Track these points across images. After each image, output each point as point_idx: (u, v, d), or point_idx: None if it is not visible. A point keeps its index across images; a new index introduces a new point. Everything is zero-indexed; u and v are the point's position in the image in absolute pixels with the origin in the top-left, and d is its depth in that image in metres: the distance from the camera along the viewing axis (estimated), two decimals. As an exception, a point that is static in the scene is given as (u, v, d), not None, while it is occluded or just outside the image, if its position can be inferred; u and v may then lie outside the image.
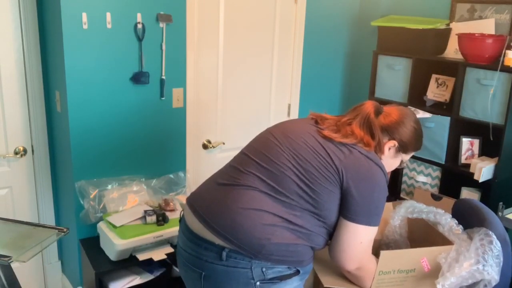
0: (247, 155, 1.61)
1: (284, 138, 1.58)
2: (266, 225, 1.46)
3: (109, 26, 2.33)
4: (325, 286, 1.69)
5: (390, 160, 1.67)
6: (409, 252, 1.80)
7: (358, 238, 1.53)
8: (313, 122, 1.64)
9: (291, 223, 1.48)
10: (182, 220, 1.65)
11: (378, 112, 1.64)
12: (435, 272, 1.72)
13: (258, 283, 1.47)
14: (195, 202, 1.60)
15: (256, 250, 1.45)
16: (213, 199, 1.55)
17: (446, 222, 1.85)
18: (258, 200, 1.49)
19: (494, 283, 1.69)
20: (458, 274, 1.64)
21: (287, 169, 1.51)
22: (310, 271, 1.64)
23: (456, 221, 1.87)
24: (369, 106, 1.63)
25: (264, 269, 1.47)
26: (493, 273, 1.66)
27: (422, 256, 1.73)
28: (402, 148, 1.65)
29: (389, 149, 1.64)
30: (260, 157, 1.56)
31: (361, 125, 1.58)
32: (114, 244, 2.19)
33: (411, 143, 1.66)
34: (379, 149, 1.59)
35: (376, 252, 1.71)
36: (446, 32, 2.86)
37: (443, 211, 1.91)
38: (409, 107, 2.85)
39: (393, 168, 1.71)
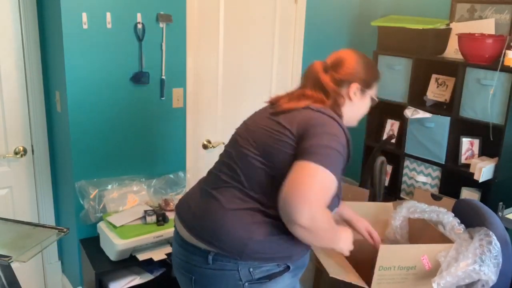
0: (221, 158, 1.65)
1: (246, 132, 1.60)
2: (246, 224, 1.45)
3: (109, 26, 2.33)
4: (330, 276, 1.68)
5: (361, 103, 1.67)
6: (409, 247, 1.80)
7: (310, 178, 1.35)
8: (269, 105, 1.66)
9: (271, 216, 1.45)
10: (174, 227, 1.66)
11: (326, 69, 1.62)
12: (436, 271, 1.72)
13: (246, 284, 1.46)
14: (181, 209, 1.62)
15: (240, 251, 1.43)
16: (195, 205, 1.57)
17: (448, 221, 1.86)
18: (234, 200, 1.48)
19: (491, 284, 1.69)
20: (454, 273, 1.64)
21: (254, 162, 1.50)
22: (305, 266, 1.61)
23: (458, 220, 1.88)
24: (316, 66, 1.63)
25: (251, 269, 1.45)
26: (490, 274, 1.66)
27: (422, 253, 1.73)
28: (365, 85, 1.64)
29: (355, 93, 1.62)
30: (230, 158, 1.58)
31: (313, 87, 1.59)
32: (114, 244, 2.19)
33: (370, 76, 1.65)
34: (341, 102, 1.58)
35: (373, 264, 1.71)
36: (446, 32, 2.86)
37: (445, 210, 1.92)
38: (409, 107, 2.85)
39: (368, 108, 1.72)
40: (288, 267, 1.50)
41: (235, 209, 1.47)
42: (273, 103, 1.64)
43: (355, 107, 1.64)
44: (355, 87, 1.61)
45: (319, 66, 1.63)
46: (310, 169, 1.36)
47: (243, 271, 1.45)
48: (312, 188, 1.34)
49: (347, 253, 1.62)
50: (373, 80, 1.67)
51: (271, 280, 1.47)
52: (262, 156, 1.49)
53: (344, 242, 1.57)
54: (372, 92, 1.68)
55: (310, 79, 1.62)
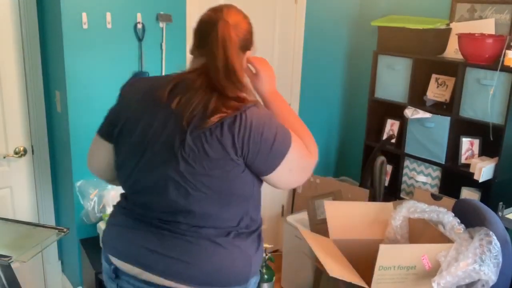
0: None
1: None
2: (240, 251, 1.37)
3: (109, 26, 2.33)
4: (330, 276, 1.68)
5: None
6: (409, 247, 1.80)
7: (289, 174, 1.35)
8: None
9: (249, 228, 1.39)
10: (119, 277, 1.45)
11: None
12: (436, 271, 1.72)
13: None
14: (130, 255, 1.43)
15: (245, 280, 1.38)
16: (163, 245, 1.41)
17: (448, 220, 1.86)
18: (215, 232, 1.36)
19: (491, 283, 1.69)
20: (454, 273, 1.64)
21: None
22: None
23: (458, 220, 1.88)
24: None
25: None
26: (490, 273, 1.66)
27: (422, 253, 1.73)
28: (252, 44, 1.44)
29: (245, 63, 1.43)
30: None
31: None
32: (114, 244, 2.19)
33: (249, 37, 1.42)
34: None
35: (373, 264, 1.71)
36: (446, 32, 2.86)
37: (445, 210, 1.92)
38: (409, 107, 2.85)
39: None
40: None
41: (217, 243, 1.34)
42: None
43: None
44: (247, 54, 1.44)
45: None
46: (290, 162, 1.33)
47: None
48: (293, 175, 1.38)
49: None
50: (251, 41, 1.45)
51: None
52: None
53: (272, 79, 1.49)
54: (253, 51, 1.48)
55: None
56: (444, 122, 2.71)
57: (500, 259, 1.71)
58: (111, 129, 1.42)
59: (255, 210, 1.42)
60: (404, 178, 3.01)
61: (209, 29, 1.31)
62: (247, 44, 1.38)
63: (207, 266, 1.31)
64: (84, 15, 2.25)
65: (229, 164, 1.27)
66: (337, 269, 1.73)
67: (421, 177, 2.90)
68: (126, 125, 1.37)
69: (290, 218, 2.98)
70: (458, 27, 2.84)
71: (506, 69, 2.42)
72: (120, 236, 1.41)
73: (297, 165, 1.39)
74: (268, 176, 1.34)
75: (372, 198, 2.95)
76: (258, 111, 1.30)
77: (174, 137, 1.28)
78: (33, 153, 2.63)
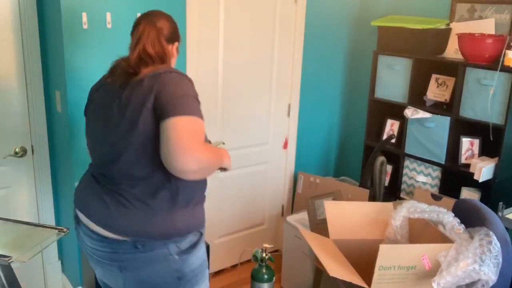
0: None
1: None
2: (164, 211, 1.59)
3: (109, 26, 2.33)
4: (330, 275, 1.68)
5: (176, 57, 1.84)
6: (409, 247, 1.80)
7: (181, 129, 1.47)
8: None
9: (177, 194, 1.60)
10: (79, 224, 1.74)
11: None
12: (436, 271, 1.72)
13: (176, 256, 1.61)
14: (86, 209, 1.71)
15: (169, 235, 1.59)
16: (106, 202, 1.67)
17: (448, 220, 1.86)
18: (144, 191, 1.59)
19: (491, 283, 1.69)
20: (454, 273, 1.64)
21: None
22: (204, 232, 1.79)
23: (458, 220, 1.88)
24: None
25: (178, 244, 1.61)
26: (490, 273, 1.66)
27: (422, 253, 1.73)
28: (177, 38, 1.81)
29: (177, 49, 1.82)
30: None
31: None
32: (114, 244, 2.19)
33: (177, 32, 1.82)
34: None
35: (373, 264, 1.70)
36: (446, 32, 2.86)
37: (445, 210, 1.92)
38: (409, 107, 2.85)
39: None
40: (201, 234, 1.71)
41: (143, 202, 1.58)
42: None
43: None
44: (175, 45, 1.81)
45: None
46: (180, 123, 1.47)
47: (171, 246, 1.60)
48: (189, 137, 1.46)
49: (231, 167, 1.83)
50: (177, 36, 1.84)
51: (194, 249, 1.66)
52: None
53: (227, 159, 1.76)
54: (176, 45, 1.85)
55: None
56: (444, 122, 2.72)
57: (500, 259, 1.71)
58: None
59: (176, 178, 1.55)
60: (404, 178, 3.01)
61: (134, 27, 1.77)
62: (172, 37, 1.77)
63: (132, 220, 1.57)
64: (84, 15, 2.25)
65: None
66: (337, 269, 1.73)
67: (421, 177, 2.90)
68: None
69: (290, 218, 2.98)
70: (458, 27, 2.84)
71: (506, 69, 2.43)
72: (81, 189, 1.75)
73: (183, 132, 1.48)
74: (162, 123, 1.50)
75: (372, 198, 2.95)
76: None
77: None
78: (33, 153, 2.63)
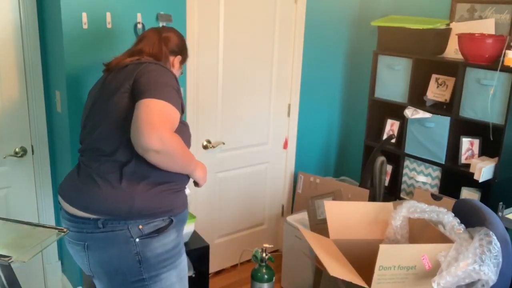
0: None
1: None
2: (124, 189, 1.60)
3: (109, 26, 2.33)
4: (330, 275, 1.68)
5: (178, 70, 1.95)
6: (409, 247, 1.80)
7: (153, 109, 1.52)
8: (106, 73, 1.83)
9: (141, 175, 1.62)
10: (61, 210, 1.80)
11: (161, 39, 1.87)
12: (436, 271, 1.72)
13: (137, 239, 1.61)
14: (61, 189, 1.78)
15: (127, 214, 1.60)
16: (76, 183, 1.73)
17: (448, 220, 1.86)
18: (104, 170, 1.64)
19: (491, 283, 1.69)
20: (454, 273, 1.64)
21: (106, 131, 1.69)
22: (185, 221, 1.79)
23: (458, 220, 1.88)
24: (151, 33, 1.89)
25: (140, 226, 1.62)
26: (490, 273, 1.66)
27: (422, 253, 1.73)
28: (181, 53, 1.93)
29: (179, 63, 1.93)
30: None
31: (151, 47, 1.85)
32: (114, 244, 2.19)
33: (183, 49, 1.95)
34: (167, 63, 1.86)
35: (373, 263, 1.70)
36: (446, 32, 2.86)
37: (445, 210, 1.92)
38: (409, 107, 2.85)
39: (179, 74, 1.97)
40: (172, 221, 1.68)
41: (105, 179, 1.63)
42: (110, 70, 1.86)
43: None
44: (178, 58, 1.91)
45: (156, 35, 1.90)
46: (153, 104, 1.52)
47: (133, 228, 1.61)
48: (159, 118, 1.50)
49: (203, 183, 1.85)
50: (185, 53, 1.97)
51: (160, 235, 1.65)
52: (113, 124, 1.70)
53: (201, 171, 1.80)
54: (183, 61, 1.97)
55: (146, 42, 1.87)
56: (444, 122, 2.72)
57: (500, 259, 1.71)
58: None
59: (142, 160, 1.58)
60: (404, 178, 3.01)
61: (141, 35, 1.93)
62: (176, 50, 1.89)
63: (93, 197, 1.62)
64: (84, 15, 2.25)
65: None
66: (337, 268, 1.73)
67: (421, 177, 2.90)
68: None
69: (290, 218, 2.98)
70: (458, 27, 2.84)
71: (506, 69, 2.43)
72: (66, 178, 1.81)
73: (154, 112, 1.52)
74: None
75: (372, 198, 2.95)
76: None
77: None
78: (33, 153, 2.63)
